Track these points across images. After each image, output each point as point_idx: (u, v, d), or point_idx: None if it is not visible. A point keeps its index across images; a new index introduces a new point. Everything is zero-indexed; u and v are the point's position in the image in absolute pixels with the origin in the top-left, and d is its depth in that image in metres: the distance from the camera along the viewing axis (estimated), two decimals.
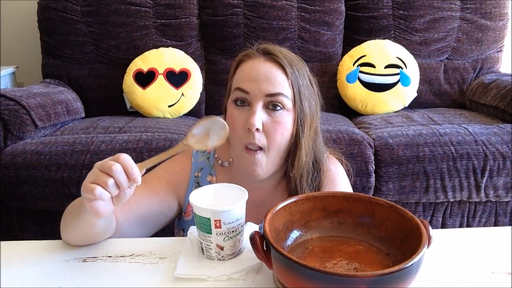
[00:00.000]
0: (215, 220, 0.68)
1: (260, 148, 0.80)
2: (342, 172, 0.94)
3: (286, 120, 0.80)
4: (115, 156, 0.62)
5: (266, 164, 0.81)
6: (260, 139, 0.79)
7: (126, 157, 0.62)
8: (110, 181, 0.60)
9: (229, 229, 0.69)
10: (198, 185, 0.91)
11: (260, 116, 0.78)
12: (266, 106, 0.80)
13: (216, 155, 0.92)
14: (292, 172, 0.84)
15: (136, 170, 0.62)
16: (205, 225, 0.69)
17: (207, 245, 0.70)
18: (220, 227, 0.68)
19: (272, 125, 0.79)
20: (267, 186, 0.89)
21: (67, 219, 0.75)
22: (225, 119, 0.87)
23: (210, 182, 0.90)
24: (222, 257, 0.70)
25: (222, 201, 0.73)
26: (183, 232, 0.93)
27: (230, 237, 0.69)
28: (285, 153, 0.83)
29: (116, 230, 0.80)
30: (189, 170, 0.92)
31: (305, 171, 0.85)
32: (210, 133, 0.70)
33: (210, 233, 0.69)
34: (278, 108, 0.79)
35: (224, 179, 0.90)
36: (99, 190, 0.60)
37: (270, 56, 0.81)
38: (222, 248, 0.70)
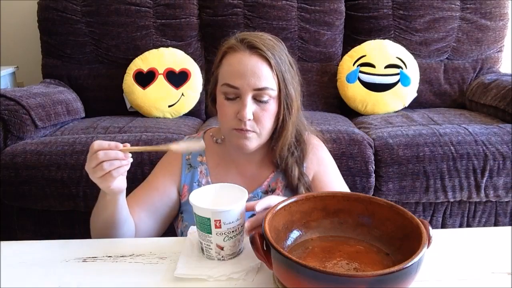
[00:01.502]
0: (215, 220, 0.68)
1: (252, 131, 0.88)
2: (322, 144, 1.04)
3: (272, 107, 0.88)
4: (91, 151, 0.74)
5: (256, 141, 0.90)
6: (251, 125, 0.88)
7: (97, 144, 0.73)
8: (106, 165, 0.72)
9: (229, 229, 0.69)
10: (190, 166, 0.99)
11: (250, 108, 0.86)
12: (254, 97, 0.87)
13: (211, 134, 1.02)
14: (275, 148, 0.94)
15: (110, 143, 0.73)
16: (205, 225, 0.69)
17: (207, 245, 0.70)
18: (220, 227, 0.68)
19: (261, 113, 0.88)
20: (254, 160, 0.97)
21: (95, 212, 0.86)
22: (213, 105, 0.95)
23: (201, 162, 0.99)
24: (222, 257, 0.70)
25: (222, 201, 0.73)
26: (181, 215, 0.98)
27: (230, 237, 0.69)
28: (271, 131, 0.92)
29: (136, 231, 0.90)
30: (180, 156, 1.00)
31: (287, 144, 0.93)
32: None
33: (210, 233, 0.69)
34: (266, 99, 0.87)
35: (214, 157, 0.99)
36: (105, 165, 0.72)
37: (255, 50, 0.87)
38: (222, 248, 0.70)
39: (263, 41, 0.88)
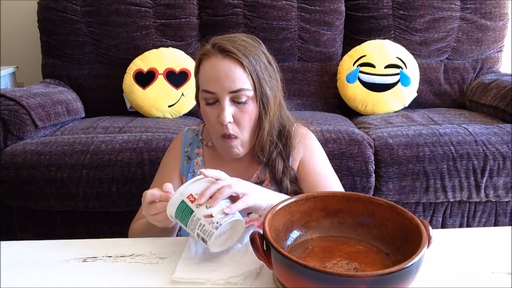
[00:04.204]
0: (187, 197, 0.69)
1: (235, 137, 0.91)
2: (310, 134, 1.04)
3: (251, 107, 0.90)
4: (145, 201, 0.77)
5: (241, 146, 0.93)
6: (233, 128, 0.90)
7: (151, 195, 0.75)
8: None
9: None
10: (189, 158, 1.02)
11: (229, 111, 0.88)
12: (232, 100, 0.89)
13: (201, 137, 1.04)
14: (254, 148, 0.96)
15: (161, 195, 0.75)
16: (185, 211, 0.69)
17: (200, 225, 0.68)
18: (195, 199, 0.69)
19: (241, 115, 0.89)
20: (243, 158, 0.99)
21: (144, 230, 0.90)
22: (198, 109, 0.97)
23: (198, 154, 1.02)
24: (217, 223, 0.68)
25: None
26: None
27: None
28: (255, 131, 0.94)
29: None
30: (180, 150, 1.04)
31: (268, 143, 0.95)
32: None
33: (193, 211, 0.69)
34: (243, 100, 0.89)
35: (209, 153, 1.02)
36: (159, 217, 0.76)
37: (226, 53, 0.88)
38: (210, 216, 0.68)
39: (234, 43, 0.89)
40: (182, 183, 0.97)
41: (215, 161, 1.01)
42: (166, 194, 0.74)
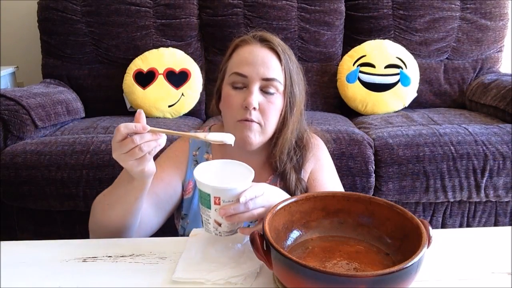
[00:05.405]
0: (214, 197, 0.68)
1: (256, 122, 0.88)
2: (322, 144, 1.04)
3: (278, 101, 0.89)
4: (118, 136, 0.66)
5: (260, 134, 0.89)
6: (256, 115, 0.87)
7: (125, 127, 0.66)
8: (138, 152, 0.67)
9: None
10: (197, 163, 0.98)
11: (256, 97, 0.87)
12: (261, 89, 0.88)
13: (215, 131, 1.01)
14: (275, 149, 0.93)
15: (137, 125, 0.66)
16: (205, 200, 0.69)
17: (206, 219, 0.71)
18: (219, 204, 0.69)
19: (267, 105, 0.88)
20: (256, 162, 0.96)
21: (110, 203, 0.81)
22: (218, 101, 0.95)
23: (207, 159, 0.98)
24: (220, 233, 0.71)
25: (226, 178, 0.73)
26: (182, 213, 0.98)
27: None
28: (275, 128, 0.92)
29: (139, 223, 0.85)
30: (187, 151, 1.00)
31: (287, 147, 0.93)
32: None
33: (210, 208, 0.69)
34: (272, 91, 0.88)
35: (219, 156, 0.98)
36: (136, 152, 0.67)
37: (266, 43, 0.90)
38: (219, 225, 0.70)
39: (274, 38, 0.91)
40: (184, 189, 0.97)
41: None
42: (143, 125, 0.66)
